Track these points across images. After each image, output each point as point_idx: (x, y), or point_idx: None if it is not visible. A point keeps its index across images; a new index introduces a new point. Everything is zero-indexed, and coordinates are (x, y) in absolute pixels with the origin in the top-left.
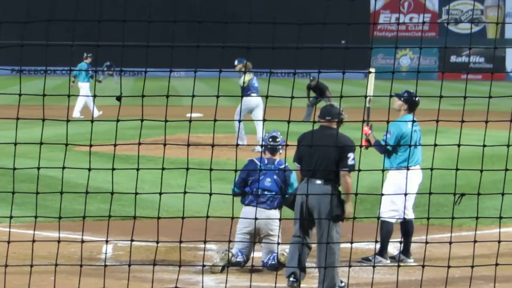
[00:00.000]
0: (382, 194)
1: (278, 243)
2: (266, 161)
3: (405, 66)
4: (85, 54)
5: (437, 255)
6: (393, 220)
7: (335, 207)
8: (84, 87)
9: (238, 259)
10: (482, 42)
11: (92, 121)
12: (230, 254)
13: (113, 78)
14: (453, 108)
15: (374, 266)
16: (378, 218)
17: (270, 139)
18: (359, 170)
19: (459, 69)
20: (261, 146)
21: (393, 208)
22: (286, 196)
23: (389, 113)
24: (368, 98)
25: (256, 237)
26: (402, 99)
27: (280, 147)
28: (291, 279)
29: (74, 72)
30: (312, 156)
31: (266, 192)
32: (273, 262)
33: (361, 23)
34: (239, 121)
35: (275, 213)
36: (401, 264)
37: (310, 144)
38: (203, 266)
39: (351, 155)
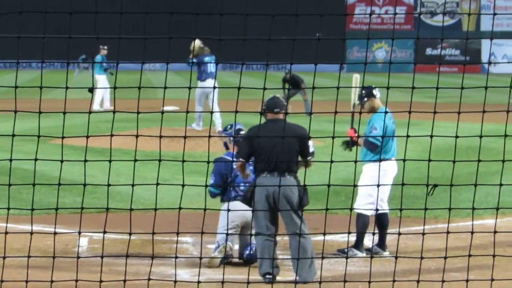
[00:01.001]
0: (355, 186)
1: (251, 234)
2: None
3: (381, 59)
4: (100, 46)
5: (413, 248)
6: (368, 213)
7: (304, 197)
8: (100, 79)
9: (230, 252)
10: (458, 35)
11: (64, 113)
12: (228, 247)
13: (88, 71)
14: (428, 101)
15: (347, 258)
16: (351, 209)
17: (240, 132)
18: (331, 162)
19: (434, 61)
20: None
21: (369, 201)
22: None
23: (361, 106)
24: (352, 103)
25: (245, 229)
26: (363, 100)
27: None
28: (267, 276)
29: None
30: (271, 150)
31: (247, 185)
32: (253, 253)
33: (334, 14)
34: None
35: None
36: (375, 256)
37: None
38: (176, 257)
39: (310, 142)
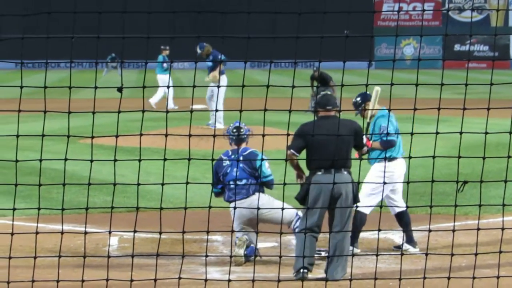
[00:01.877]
0: (385, 183)
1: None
2: (230, 153)
3: (409, 55)
4: (162, 47)
5: (444, 244)
6: (367, 211)
7: (356, 194)
8: (162, 79)
9: (250, 245)
10: (486, 30)
11: (93, 112)
12: (245, 238)
13: (117, 70)
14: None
15: (377, 255)
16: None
17: (234, 130)
18: (361, 159)
19: (462, 57)
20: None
21: (370, 199)
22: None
23: (390, 102)
24: (369, 113)
25: (255, 227)
26: (359, 108)
27: (245, 136)
28: (303, 271)
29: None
30: (328, 147)
31: (238, 182)
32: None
33: (362, 12)
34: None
35: (255, 198)
36: (405, 253)
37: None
38: (206, 256)
39: (363, 136)
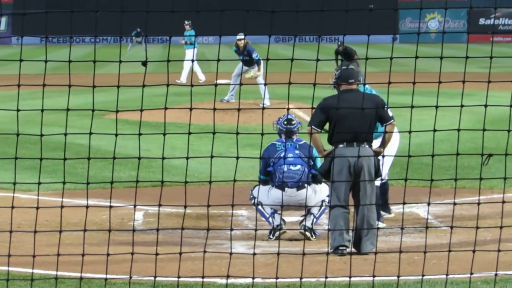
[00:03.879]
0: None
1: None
2: (284, 140)
3: (434, 29)
4: (185, 22)
5: (469, 218)
6: (377, 183)
7: (378, 168)
8: (187, 53)
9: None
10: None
11: (118, 86)
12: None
13: (141, 45)
14: (482, 71)
15: (402, 228)
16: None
17: (286, 122)
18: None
19: (487, 31)
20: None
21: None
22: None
23: (414, 74)
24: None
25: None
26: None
27: (296, 129)
28: (341, 248)
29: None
30: (350, 120)
31: (291, 167)
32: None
33: None
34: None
35: (303, 193)
36: (430, 226)
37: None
38: (231, 230)
39: (386, 107)
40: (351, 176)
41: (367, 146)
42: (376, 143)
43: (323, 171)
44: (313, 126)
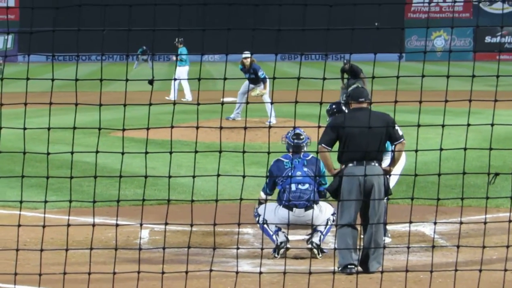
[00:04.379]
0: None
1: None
2: (292, 157)
3: (440, 47)
4: (177, 39)
5: (475, 237)
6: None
7: (388, 187)
8: (180, 71)
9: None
10: None
11: (124, 105)
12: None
13: (147, 63)
14: (488, 89)
15: (408, 248)
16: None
17: (294, 137)
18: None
19: (493, 49)
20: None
21: None
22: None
23: (421, 93)
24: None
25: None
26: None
27: (304, 144)
28: (349, 267)
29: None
30: (360, 139)
31: (299, 186)
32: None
33: (392, 3)
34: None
35: (310, 213)
36: (437, 245)
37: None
38: (238, 248)
39: (396, 126)
40: (361, 194)
41: (377, 165)
42: (385, 162)
43: (332, 189)
44: (323, 145)
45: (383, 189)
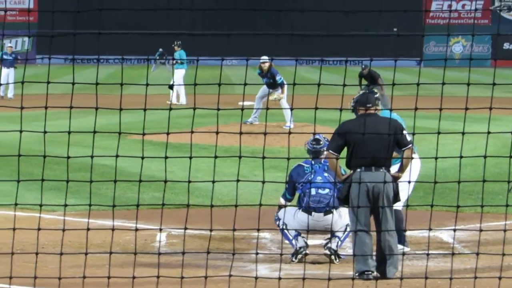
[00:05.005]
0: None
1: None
2: (313, 162)
3: (458, 53)
4: (175, 42)
5: (494, 244)
6: (400, 208)
7: (397, 193)
8: (176, 73)
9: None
10: None
11: (144, 109)
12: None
13: (165, 66)
14: (506, 95)
15: (428, 254)
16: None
17: (314, 142)
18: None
19: None
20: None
21: (402, 195)
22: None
23: (441, 100)
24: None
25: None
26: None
27: (323, 149)
28: (366, 273)
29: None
30: (368, 145)
31: (319, 191)
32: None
33: (412, 11)
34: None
35: (330, 218)
36: (456, 252)
37: (363, 133)
38: (257, 253)
39: (405, 131)
40: (369, 201)
41: (385, 171)
42: (394, 168)
43: (342, 196)
44: (330, 151)
45: (392, 195)
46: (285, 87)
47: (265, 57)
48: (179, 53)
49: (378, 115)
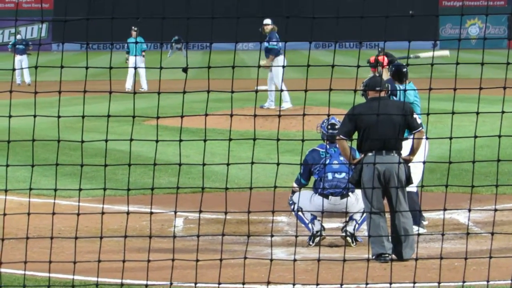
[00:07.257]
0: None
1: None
2: (328, 146)
3: (474, 35)
4: (132, 27)
5: (509, 224)
6: (415, 190)
7: (409, 175)
8: (131, 60)
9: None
10: None
11: (159, 93)
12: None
13: (181, 52)
14: None
15: (443, 235)
16: (446, 186)
17: (329, 127)
18: (426, 138)
19: None
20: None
21: (415, 178)
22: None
23: (455, 82)
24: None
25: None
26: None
27: None
28: (383, 256)
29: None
30: (378, 128)
31: (336, 175)
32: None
33: None
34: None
35: (343, 202)
36: (471, 232)
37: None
38: (272, 236)
39: (415, 114)
40: (381, 184)
41: (396, 154)
42: (405, 151)
43: (354, 180)
44: (341, 136)
45: (404, 177)
46: (279, 58)
47: (268, 20)
48: (139, 39)
49: (388, 98)
